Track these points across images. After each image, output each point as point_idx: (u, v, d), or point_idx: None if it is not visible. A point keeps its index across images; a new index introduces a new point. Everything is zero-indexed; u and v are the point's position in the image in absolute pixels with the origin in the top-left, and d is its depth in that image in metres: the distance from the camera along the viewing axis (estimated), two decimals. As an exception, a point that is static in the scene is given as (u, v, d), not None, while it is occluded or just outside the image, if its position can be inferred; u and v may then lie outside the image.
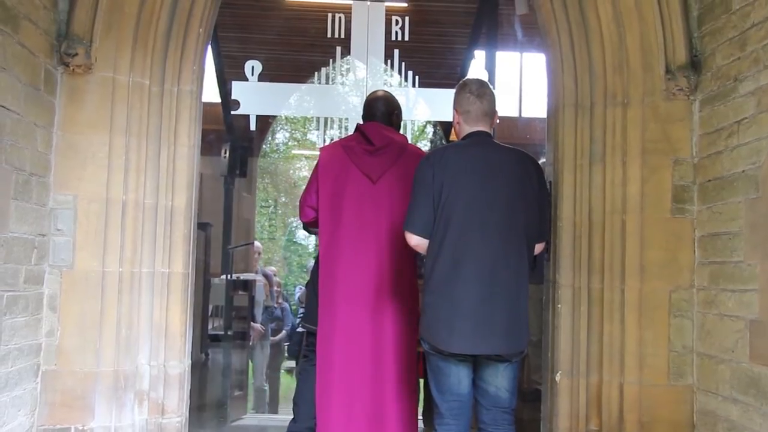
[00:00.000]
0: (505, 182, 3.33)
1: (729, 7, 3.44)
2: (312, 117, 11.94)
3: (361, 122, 4.01)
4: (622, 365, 3.73)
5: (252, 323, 8.85)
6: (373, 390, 3.73)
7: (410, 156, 3.85)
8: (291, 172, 20.42)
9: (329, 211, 3.79)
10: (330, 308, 3.76)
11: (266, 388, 8.88)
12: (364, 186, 3.78)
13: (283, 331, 9.21)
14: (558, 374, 3.94)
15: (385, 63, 5.47)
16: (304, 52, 9.23)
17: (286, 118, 16.03)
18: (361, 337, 3.73)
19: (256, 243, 11.23)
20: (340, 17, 5.40)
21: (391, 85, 5.87)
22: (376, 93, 4.11)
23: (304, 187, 4.04)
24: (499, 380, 3.34)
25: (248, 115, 5.55)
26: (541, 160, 4.42)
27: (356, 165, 3.79)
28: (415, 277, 3.91)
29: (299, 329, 8.19)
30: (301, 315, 8.21)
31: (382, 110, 3.99)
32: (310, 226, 3.99)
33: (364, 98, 5.46)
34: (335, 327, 3.74)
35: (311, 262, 12.30)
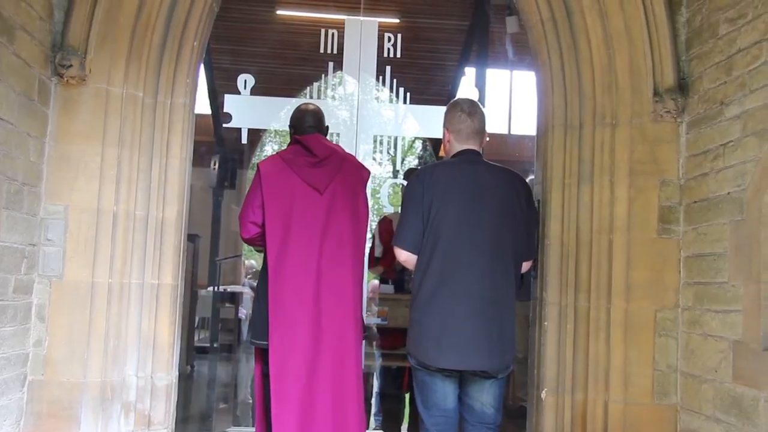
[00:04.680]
0: (494, 200, 3.36)
1: (716, 32, 3.50)
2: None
3: (298, 136, 3.90)
4: (607, 383, 3.76)
5: None
6: (333, 404, 3.66)
7: (350, 165, 3.86)
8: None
9: (278, 224, 3.70)
10: (282, 321, 3.65)
11: (251, 401, 8.85)
12: (311, 198, 3.72)
13: None
14: (544, 391, 3.96)
15: (377, 79, 5.51)
16: (297, 66, 9.27)
17: (276, 131, 16.05)
18: (317, 352, 3.65)
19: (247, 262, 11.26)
20: (333, 33, 5.44)
21: (381, 101, 5.91)
22: (308, 106, 4.03)
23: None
24: (485, 396, 3.36)
25: (239, 128, 5.58)
26: (530, 178, 4.46)
27: (301, 177, 3.73)
28: (362, 287, 3.89)
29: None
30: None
31: (314, 123, 3.93)
32: (251, 242, 3.89)
33: (355, 113, 5.51)
34: (289, 342, 3.64)
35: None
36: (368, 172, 4.00)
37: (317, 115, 3.96)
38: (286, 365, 3.64)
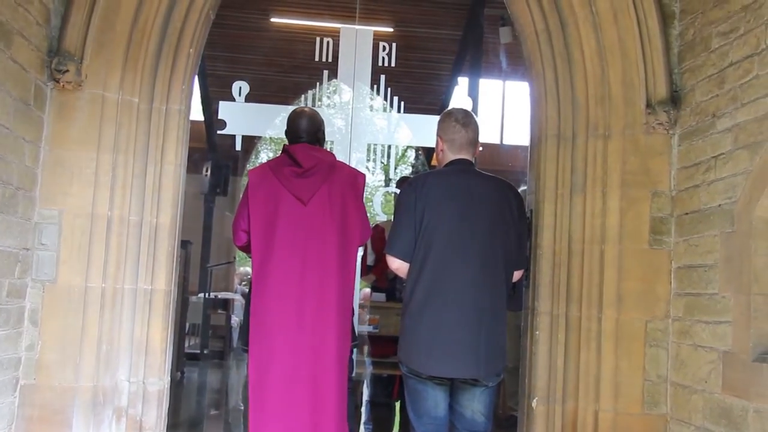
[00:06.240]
0: (486, 210, 3.38)
1: (708, 45, 3.54)
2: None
3: (289, 143, 3.91)
4: (597, 393, 3.77)
5: None
6: (312, 414, 3.61)
7: (340, 174, 3.81)
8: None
9: (261, 234, 3.71)
10: (262, 331, 3.64)
11: (242, 408, 8.83)
12: (295, 208, 3.70)
13: None
14: (534, 400, 3.97)
15: (371, 88, 5.52)
16: (292, 74, 9.29)
17: (271, 138, 16.07)
18: (295, 362, 3.62)
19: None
20: (328, 41, 5.45)
21: (375, 109, 5.93)
22: (303, 110, 4.00)
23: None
24: (475, 404, 3.38)
25: (233, 135, 5.59)
26: (522, 188, 4.48)
27: (286, 187, 3.72)
28: (351, 296, 3.83)
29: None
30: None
31: (306, 128, 3.89)
32: (244, 251, 3.90)
33: (350, 121, 5.53)
34: (269, 353, 3.62)
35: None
36: (363, 177, 3.93)
37: (311, 120, 3.91)
38: (266, 375, 3.62)
